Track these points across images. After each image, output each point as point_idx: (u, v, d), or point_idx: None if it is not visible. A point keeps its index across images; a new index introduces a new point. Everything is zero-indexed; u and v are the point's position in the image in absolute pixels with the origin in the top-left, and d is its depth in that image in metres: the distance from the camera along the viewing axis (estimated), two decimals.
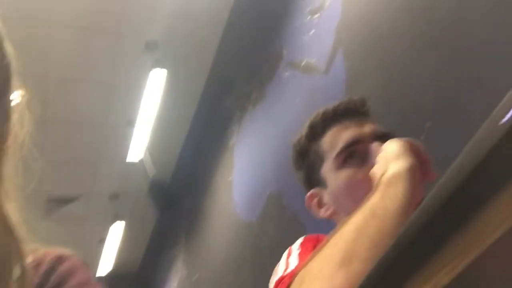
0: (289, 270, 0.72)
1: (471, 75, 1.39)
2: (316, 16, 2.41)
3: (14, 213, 0.52)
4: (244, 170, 3.18)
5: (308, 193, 0.92)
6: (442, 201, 0.27)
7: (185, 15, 3.40)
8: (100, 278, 5.41)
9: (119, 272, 5.73)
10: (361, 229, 0.56)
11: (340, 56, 2.14)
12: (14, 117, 0.55)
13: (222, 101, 3.65)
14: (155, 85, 3.58)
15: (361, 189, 0.82)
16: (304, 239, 0.81)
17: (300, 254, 0.75)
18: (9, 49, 0.56)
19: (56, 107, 3.67)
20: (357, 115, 0.90)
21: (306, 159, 0.93)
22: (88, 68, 3.54)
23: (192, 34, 3.53)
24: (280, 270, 0.75)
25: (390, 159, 0.68)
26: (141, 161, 4.25)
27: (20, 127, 0.57)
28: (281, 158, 2.62)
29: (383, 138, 0.85)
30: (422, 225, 0.29)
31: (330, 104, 0.93)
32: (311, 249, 0.76)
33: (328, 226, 0.90)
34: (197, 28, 3.51)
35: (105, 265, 5.47)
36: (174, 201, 4.73)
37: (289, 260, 0.75)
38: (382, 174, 0.65)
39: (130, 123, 3.95)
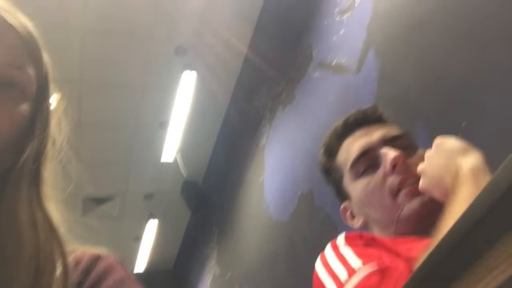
0: (357, 267, 0.67)
1: (509, 73, 1.35)
2: (346, 15, 2.39)
3: (54, 214, 0.55)
4: (275, 170, 3.19)
5: (341, 207, 0.94)
6: (496, 199, 0.27)
7: (214, 17, 3.44)
8: (136, 274, 5.53)
9: (154, 269, 5.85)
10: None
11: (371, 55, 2.12)
12: (53, 122, 0.58)
13: (252, 102, 3.66)
14: (186, 88, 3.63)
15: (377, 195, 0.82)
16: (347, 237, 0.78)
17: (356, 253, 0.71)
18: (46, 58, 0.59)
19: (91, 111, 3.78)
20: (368, 123, 0.91)
21: (329, 176, 0.95)
22: (120, 73, 3.63)
23: (221, 36, 3.57)
24: (340, 272, 0.69)
25: (457, 153, 0.68)
26: (174, 162, 4.32)
27: (58, 131, 0.60)
28: (312, 158, 2.61)
29: (393, 141, 0.85)
30: (475, 223, 0.28)
31: (341, 118, 0.95)
32: (361, 245, 0.74)
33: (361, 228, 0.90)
34: (226, 30, 3.54)
35: (141, 263, 5.59)
36: (206, 201, 4.79)
37: (347, 260, 0.71)
38: (456, 169, 0.66)
39: (162, 125, 4.03)
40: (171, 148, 4.15)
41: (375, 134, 0.87)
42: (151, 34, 3.41)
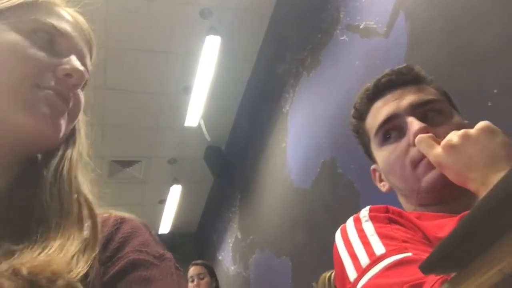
0: (380, 254, 0.63)
1: None
2: None
3: (84, 176, 0.58)
4: (298, 136, 3.17)
5: (371, 168, 0.92)
6: None
7: None
8: (161, 236, 5.71)
9: (178, 232, 6.02)
10: None
11: (401, 18, 2.04)
12: (86, 92, 0.61)
13: (276, 68, 3.61)
14: (210, 52, 3.60)
15: (398, 165, 0.80)
16: (372, 210, 0.74)
17: (379, 233, 0.67)
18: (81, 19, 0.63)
19: (116, 75, 3.80)
20: (402, 85, 0.86)
21: (359, 137, 0.93)
22: (145, 37, 3.62)
23: (245, 1, 3.49)
24: (361, 254, 0.66)
25: (502, 159, 0.60)
26: (198, 127, 4.35)
27: (88, 95, 0.62)
28: (336, 125, 2.58)
29: (424, 106, 0.81)
30: None
31: (373, 78, 0.89)
32: (385, 222, 0.70)
33: (385, 196, 0.89)
34: None
35: (165, 225, 5.76)
36: (228, 166, 4.83)
37: (369, 240, 0.67)
38: (491, 176, 0.58)
39: (186, 90, 4.04)
40: (195, 113, 4.16)
41: (405, 99, 0.83)
42: None
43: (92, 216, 0.54)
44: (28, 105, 0.51)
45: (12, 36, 0.53)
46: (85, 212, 0.54)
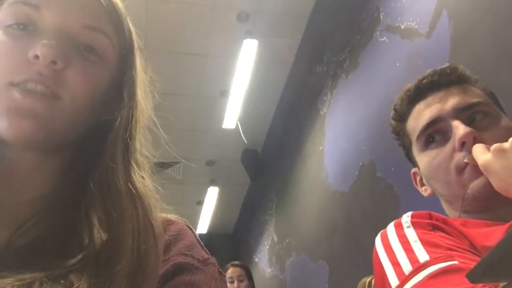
0: (424, 261, 0.61)
1: None
2: None
3: (147, 180, 0.57)
4: (336, 139, 3.13)
5: (412, 172, 0.88)
6: None
7: None
8: (200, 236, 5.79)
9: (215, 233, 6.08)
10: None
11: (444, 19, 1.98)
12: (140, 92, 0.59)
13: (313, 70, 3.59)
14: (247, 56, 3.62)
15: (442, 170, 0.77)
16: (414, 216, 0.72)
17: (422, 240, 0.65)
18: (130, 27, 0.59)
19: (154, 78, 3.88)
20: (443, 87, 0.82)
21: (399, 139, 0.89)
22: (183, 41, 3.68)
23: (282, 4, 3.48)
24: (403, 261, 0.64)
25: None
26: (235, 129, 4.38)
27: (145, 101, 0.60)
28: (375, 127, 2.53)
29: (470, 109, 0.77)
30: None
31: (414, 79, 0.86)
32: (428, 228, 0.68)
33: (426, 202, 0.86)
34: None
35: (203, 226, 5.83)
36: (265, 168, 4.84)
37: (412, 246, 0.65)
38: None
39: (224, 93, 4.08)
40: (232, 116, 4.20)
41: (449, 101, 0.79)
42: (214, 1, 3.40)
43: (155, 220, 0.54)
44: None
45: None
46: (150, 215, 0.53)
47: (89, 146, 0.55)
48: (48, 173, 0.54)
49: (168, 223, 0.58)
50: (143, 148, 0.59)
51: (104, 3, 0.54)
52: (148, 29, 3.49)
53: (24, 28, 0.50)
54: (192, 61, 3.86)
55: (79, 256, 0.46)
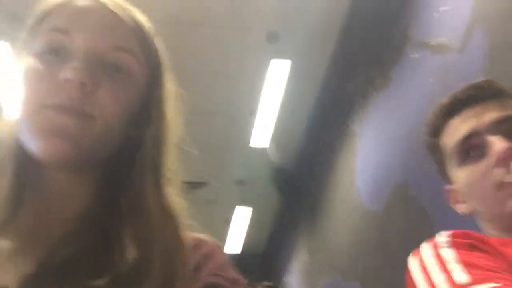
0: (462, 282, 0.59)
1: None
2: None
3: (176, 199, 0.57)
4: (368, 157, 3.08)
5: (446, 188, 0.85)
6: None
7: (304, 3, 3.38)
8: (230, 256, 5.77)
9: (245, 252, 6.03)
10: None
11: (477, 33, 1.93)
12: (169, 110, 0.60)
13: (344, 88, 3.56)
14: (276, 75, 3.64)
15: (479, 187, 0.74)
16: (452, 238, 0.69)
17: (461, 260, 0.62)
18: (159, 46, 0.61)
19: (186, 99, 3.95)
20: (479, 101, 0.79)
21: (434, 155, 0.86)
22: (213, 61, 3.74)
23: (312, 22, 3.50)
24: (441, 283, 0.61)
25: None
26: (265, 149, 4.38)
27: (174, 119, 0.61)
28: (408, 146, 2.48)
29: (506, 123, 0.74)
30: None
31: (449, 94, 0.83)
32: (466, 248, 0.66)
33: (460, 222, 0.83)
34: (317, 16, 3.47)
35: (232, 246, 5.80)
36: (296, 187, 4.79)
37: (450, 268, 0.62)
38: None
39: (253, 112, 4.09)
40: (262, 135, 4.21)
41: (487, 115, 0.76)
42: (242, 22, 3.45)
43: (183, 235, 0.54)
44: (33, 129, 0.50)
45: (27, 63, 0.54)
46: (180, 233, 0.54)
47: (119, 164, 0.55)
48: (82, 192, 0.55)
49: (198, 242, 0.58)
50: (173, 165, 0.59)
51: (130, 24, 0.56)
52: (179, 52, 3.56)
53: (56, 54, 0.52)
54: (222, 81, 3.91)
55: (111, 275, 0.47)
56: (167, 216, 0.53)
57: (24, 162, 0.52)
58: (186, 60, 3.65)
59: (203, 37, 3.53)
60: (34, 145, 0.49)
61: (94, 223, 0.52)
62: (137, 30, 0.57)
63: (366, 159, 3.12)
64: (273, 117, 4.01)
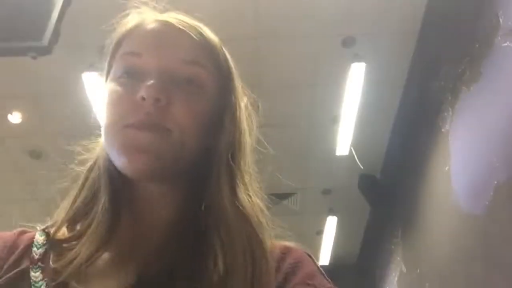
0: None
1: None
2: None
3: (258, 204, 0.58)
4: (464, 157, 2.88)
5: None
6: None
7: (380, 2, 3.28)
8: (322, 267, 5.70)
9: (338, 263, 5.90)
10: None
11: None
12: (243, 117, 0.62)
13: (429, 86, 3.39)
14: (356, 80, 3.56)
15: None
16: None
17: None
18: (226, 56, 0.63)
19: (267, 113, 4.00)
20: None
21: None
22: (292, 73, 3.77)
23: (390, 20, 3.39)
24: None
25: None
26: (349, 155, 4.29)
27: (249, 125, 0.64)
28: (509, 140, 2.28)
29: None
30: None
31: None
32: None
33: None
34: (395, 14, 3.35)
35: (324, 257, 5.71)
36: (385, 194, 4.62)
37: None
38: None
39: (335, 119, 4.04)
40: (345, 141, 4.13)
41: None
42: (317, 29, 3.44)
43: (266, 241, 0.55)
44: (117, 148, 0.54)
45: (108, 88, 0.58)
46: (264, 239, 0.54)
47: (199, 173, 0.57)
48: (169, 203, 0.57)
49: (286, 250, 0.58)
50: (250, 170, 0.61)
51: (196, 38, 0.58)
52: (260, 66, 3.65)
53: (132, 76, 0.56)
54: (302, 91, 3.92)
55: (207, 283, 0.48)
56: (244, 216, 0.54)
57: (116, 178, 0.56)
58: (265, 74, 3.73)
59: (281, 50, 3.57)
60: (120, 162, 0.53)
61: (184, 233, 0.54)
62: (204, 43, 0.59)
63: (461, 159, 2.92)
64: (356, 123, 3.91)
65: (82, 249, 0.53)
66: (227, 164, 0.56)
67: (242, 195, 0.56)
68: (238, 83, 0.63)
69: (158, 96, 0.52)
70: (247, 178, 0.59)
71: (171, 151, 0.53)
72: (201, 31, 0.60)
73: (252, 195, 0.58)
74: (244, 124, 0.62)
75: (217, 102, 0.59)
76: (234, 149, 0.58)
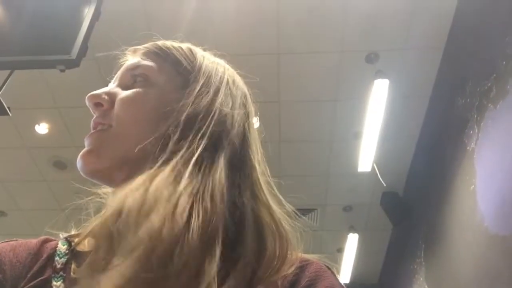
0: None
1: None
2: None
3: (281, 214, 0.60)
4: (490, 176, 2.80)
5: None
6: None
7: (405, 17, 3.27)
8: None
9: (359, 282, 5.78)
10: None
11: None
12: (256, 141, 0.62)
13: (454, 103, 3.33)
14: (379, 96, 3.52)
15: None
16: None
17: None
18: (182, 53, 0.66)
19: (289, 128, 4.00)
20: None
21: None
22: (314, 88, 3.76)
23: (414, 36, 3.36)
24: None
25: None
26: (372, 172, 4.23)
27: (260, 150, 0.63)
28: None
29: None
30: None
31: None
32: None
33: None
34: (420, 29, 3.32)
35: (345, 275, 5.60)
36: (408, 212, 4.52)
37: None
38: None
39: (357, 135, 4.00)
40: (367, 158, 4.07)
41: None
42: (341, 45, 3.44)
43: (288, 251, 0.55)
44: None
45: None
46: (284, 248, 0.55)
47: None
48: None
49: (305, 262, 0.57)
50: (261, 163, 0.63)
51: (144, 49, 0.66)
52: (281, 82, 3.66)
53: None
54: (323, 107, 3.91)
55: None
56: (270, 231, 0.55)
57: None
58: (287, 89, 3.73)
59: (303, 65, 3.58)
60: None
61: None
62: (150, 47, 0.65)
63: (488, 178, 2.84)
64: (379, 139, 3.87)
65: None
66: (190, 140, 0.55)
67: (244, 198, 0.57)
68: (205, 79, 0.63)
69: (96, 101, 0.61)
70: (271, 198, 0.61)
71: (112, 143, 0.58)
72: (160, 44, 0.66)
73: (278, 210, 0.61)
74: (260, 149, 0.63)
75: (173, 89, 0.61)
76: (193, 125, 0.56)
